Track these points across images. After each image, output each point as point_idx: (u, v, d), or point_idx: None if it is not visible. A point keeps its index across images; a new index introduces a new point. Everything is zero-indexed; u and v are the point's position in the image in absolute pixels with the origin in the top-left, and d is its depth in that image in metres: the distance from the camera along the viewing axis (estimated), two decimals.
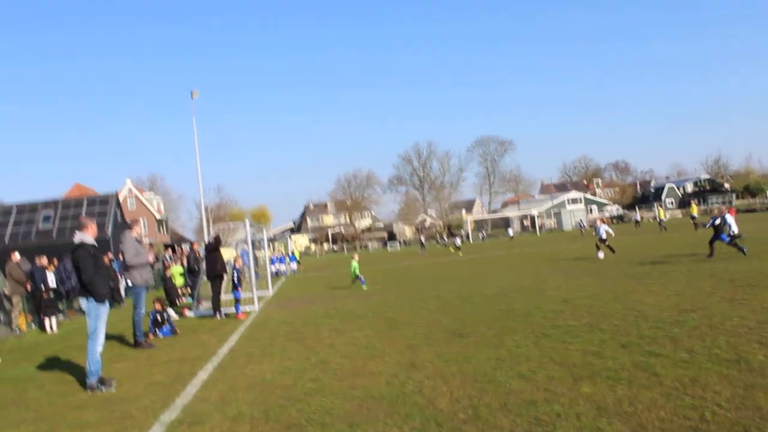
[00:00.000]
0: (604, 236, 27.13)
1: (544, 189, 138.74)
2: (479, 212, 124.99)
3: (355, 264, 23.88)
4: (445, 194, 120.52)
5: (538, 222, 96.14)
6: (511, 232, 79.72)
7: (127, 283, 12.91)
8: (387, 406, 6.41)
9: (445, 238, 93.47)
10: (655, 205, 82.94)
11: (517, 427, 5.40)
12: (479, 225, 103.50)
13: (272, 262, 16.88)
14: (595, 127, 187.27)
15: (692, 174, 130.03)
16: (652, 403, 5.67)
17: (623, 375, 6.72)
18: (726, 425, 4.94)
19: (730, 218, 20.09)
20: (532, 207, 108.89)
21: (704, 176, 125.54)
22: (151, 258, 13.64)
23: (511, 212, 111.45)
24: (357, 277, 23.36)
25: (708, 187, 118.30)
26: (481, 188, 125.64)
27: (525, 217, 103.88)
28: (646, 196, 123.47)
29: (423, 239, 71.38)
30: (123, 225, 48.67)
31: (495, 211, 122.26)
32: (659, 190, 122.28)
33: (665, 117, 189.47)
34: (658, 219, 53.60)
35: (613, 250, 26.27)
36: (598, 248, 26.19)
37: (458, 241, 52.79)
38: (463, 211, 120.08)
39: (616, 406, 5.67)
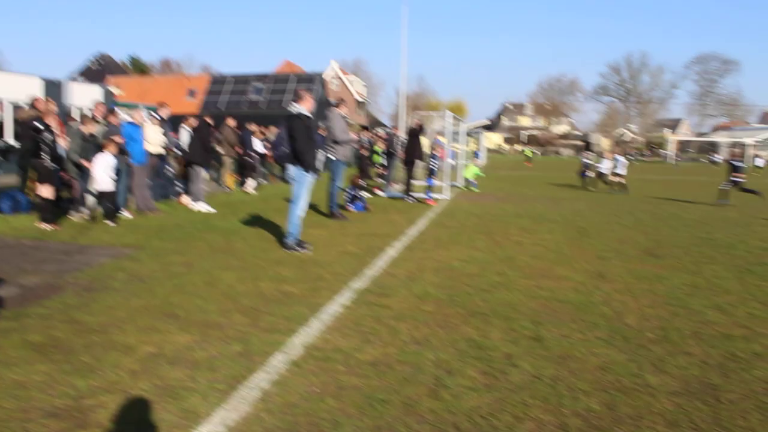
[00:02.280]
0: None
1: (765, 118, 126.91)
2: (686, 133, 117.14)
3: (475, 169, 24.11)
4: (651, 110, 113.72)
5: (749, 152, 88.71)
6: (762, 162, 68.07)
7: (327, 156, 13.39)
8: (573, 311, 6.35)
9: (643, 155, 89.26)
10: None
11: (709, 358, 5.16)
12: (683, 146, 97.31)
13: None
14: None
15: None
16: None
17: None
18: None
19: None
20: (746, 135, 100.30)
21: None
22: (354, 136, 14.06)
23: (721, 138, 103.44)
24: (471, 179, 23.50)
25: None
26: (690, 108, 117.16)
27: (735, 145, 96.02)
28: None
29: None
30: (327, 103, 50.48)
31: (703, 135, 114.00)
32: None
33: None
34: None
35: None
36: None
37: (761, 161, 44.45)
38: (665, 131, 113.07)
39: None
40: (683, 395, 4.40)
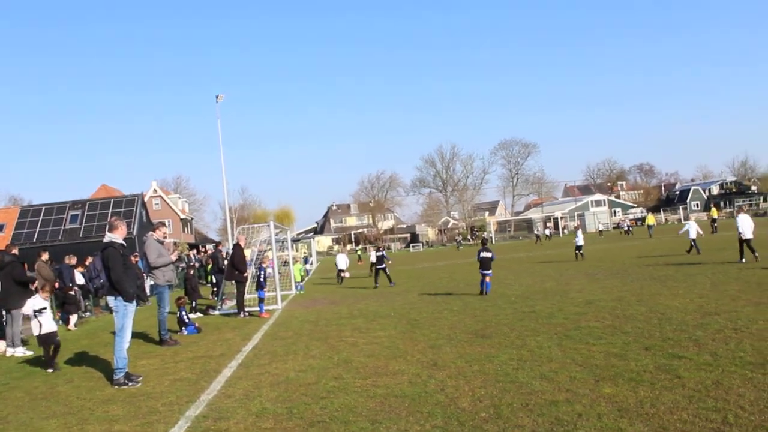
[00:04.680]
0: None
1: (568, 191, 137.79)
2: (502, 214, 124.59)
3: (299, 267, 25.79)
4: (468, 196, 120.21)
5: (561, 224, 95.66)
6: (548, 231, 78.50)
7: (150, 282, 13.08)
8: (409, 405, 6.47)
9: (469, 239, 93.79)
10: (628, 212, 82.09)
11: (538, 426, 5.44)
12: (502, 226, 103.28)
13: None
14: (620, 130, 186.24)
15: (718, 176, 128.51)
16: (674, 404, 5.68)
17: (645, 377, 6.73)
18: (749, 428, 4.95)
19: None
20: (556, 209, 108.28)
21: (731, 178, 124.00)
22: (173, 257, 13.80)
23: (535, 214, 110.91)
24: (299, 283, 24.90)
25: (734, 189, 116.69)
26: (504, 190, 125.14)
27: (548, 219, 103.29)
28: (671, 199, 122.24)
29: (539, 231, 72.66)
30: (148, 225, 49.30)
31: (518, 213, 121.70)
32: (684, 193, 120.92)
33: (691, 119, 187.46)
34: (627, 226, 53.13)
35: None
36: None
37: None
38: (486, 213, 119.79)
39: (638, 407, 5.69)
40: None
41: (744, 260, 19.46)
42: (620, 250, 33.70)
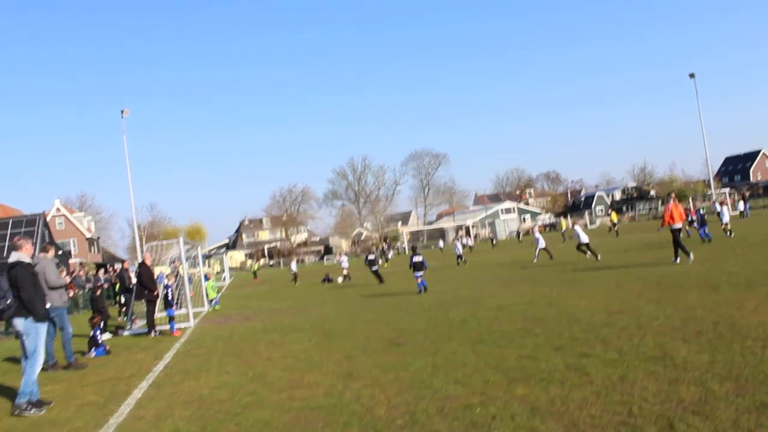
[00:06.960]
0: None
1: (478, 200, 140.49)
2: (415, 224, 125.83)
3: (211, 284, 25.48)
4: (381, 207, 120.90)
5: (473, 232, 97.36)
6: (441, 243, 79.33)
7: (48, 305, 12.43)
8: (325, 416, 6.43)
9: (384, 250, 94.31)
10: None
11: (453, 430, 5.50)
12: (414, 236, 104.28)
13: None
14: (527, 140, 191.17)
15: (620, 182, 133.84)
16: (584, 401, 5.85)
17: (556, 376, 6.90)
18: (652, 418, 5.15)
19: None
20: (467, 218, 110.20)
21: (631, 184, 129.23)
22: (67, 278, 13.34)
23: (447, 223, 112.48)
24: (213, 298, 24.57)
25: (635, 195, 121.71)
26: (416, 200, 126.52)
27: (460, 227, 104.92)
28: (577, 205, 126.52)
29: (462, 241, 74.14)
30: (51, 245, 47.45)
31: (430, 223, 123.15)
32: (589, 199, 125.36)
33: (594, 127, 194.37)
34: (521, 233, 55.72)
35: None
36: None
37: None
38: (399, 224, 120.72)
39: (549, 406, 5.83)
40: None
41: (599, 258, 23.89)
42: (519, 257, 34.55)
